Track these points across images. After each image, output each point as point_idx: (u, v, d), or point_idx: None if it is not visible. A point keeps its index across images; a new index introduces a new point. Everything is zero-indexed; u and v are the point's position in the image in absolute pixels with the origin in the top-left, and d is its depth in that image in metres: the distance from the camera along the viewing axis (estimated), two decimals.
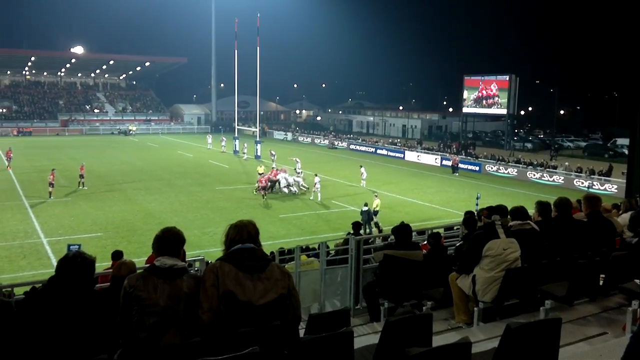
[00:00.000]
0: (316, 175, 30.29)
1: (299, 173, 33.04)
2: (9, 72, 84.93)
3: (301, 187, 31.27)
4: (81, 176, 30.68)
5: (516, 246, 5.71)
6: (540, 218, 6.47)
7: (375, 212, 23.27)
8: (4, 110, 76.35)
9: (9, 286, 6.54)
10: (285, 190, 30.47)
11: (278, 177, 30.88)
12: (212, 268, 3.51)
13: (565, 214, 6.34)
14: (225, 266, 3.48)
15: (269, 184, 29.88)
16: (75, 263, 3.42)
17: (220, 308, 3.40)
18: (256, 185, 30.76)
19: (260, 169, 33.89)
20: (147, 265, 3.54)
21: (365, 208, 22.43)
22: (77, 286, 3.39)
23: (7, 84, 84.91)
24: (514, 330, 3.32)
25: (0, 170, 36.18)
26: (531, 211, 6.80)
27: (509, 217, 6.36)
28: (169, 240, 3.61)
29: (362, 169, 34.02)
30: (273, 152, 43.47)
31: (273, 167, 34.05)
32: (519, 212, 6.24)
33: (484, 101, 59.77)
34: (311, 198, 29.30)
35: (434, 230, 8.77)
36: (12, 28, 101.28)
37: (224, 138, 55.72)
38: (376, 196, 24.46)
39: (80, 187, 30.45)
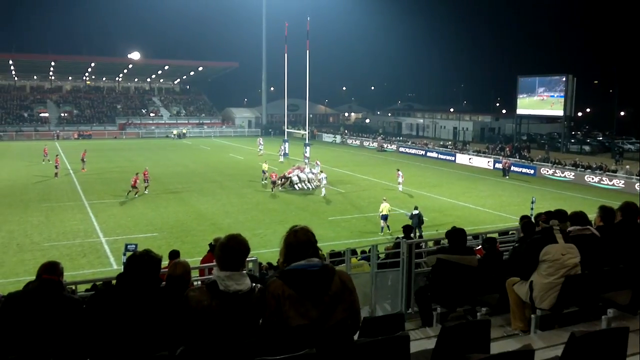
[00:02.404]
0: (322, 172, 32.69)
1: (312, 172, 34.55)
2: (70, 78, 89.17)
3: (316, 183, 32.91)
4: (145, 180, 31.62)
5: (575, 252, 5.51)
6: (602, 223, 6.22)
7: (385, 217, 23.01)
8: (66, 114, 79.89)
9: (72, 283, 6.83)
10: (297, 187, 32.55)
11: (291, 175, 33.11)
12: (274, 293, 3.32)
13: (631, 218, 6.07)
14: (287, 290, 3.30)
15: (282, 180, 32.44)
16: (142, 261, 3.54)
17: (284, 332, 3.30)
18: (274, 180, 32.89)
19: (265, 166, 35.27)
20: (209, 281, 3.42)
21: (416, 212, 22.19)
22: (145, 284, 3.51)
23: (69, 89, 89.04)
24: (578, 338, 3.22)
25: (64, 174, 37.71)
26: (591, 216, 6.55)
27: (568, 222, 6.15)
28: (234, 251, 3.42)
29: (399, 172, 33.87)
30: (307, 155, 45.54)
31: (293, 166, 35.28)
32: (579, 217, 6.01)
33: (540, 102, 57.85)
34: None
35: (489, 235, 8.57)
36: (72, 35, 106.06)
37: (261, 142, 56.30)
38: (385, 200, 24.04)
39: (145, 192, 31.28)
